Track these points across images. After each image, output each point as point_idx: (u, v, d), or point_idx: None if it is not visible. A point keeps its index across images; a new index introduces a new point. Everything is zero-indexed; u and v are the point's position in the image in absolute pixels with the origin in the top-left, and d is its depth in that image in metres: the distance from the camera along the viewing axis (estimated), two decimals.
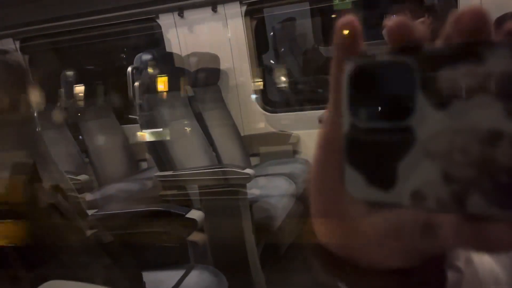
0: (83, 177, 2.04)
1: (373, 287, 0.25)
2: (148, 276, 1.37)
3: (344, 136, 0.20)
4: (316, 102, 2.92)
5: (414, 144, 0.19)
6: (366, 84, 0.20)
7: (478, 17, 0.18)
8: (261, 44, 3.02)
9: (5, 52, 1.74)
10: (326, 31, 3.61)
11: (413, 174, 0.19)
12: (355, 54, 0.21)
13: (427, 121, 0.18)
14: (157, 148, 2.10)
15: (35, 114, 1.74)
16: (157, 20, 2.81)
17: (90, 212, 1.72)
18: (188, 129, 2.39)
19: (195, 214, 1.50)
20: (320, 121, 0.24)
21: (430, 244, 0.21)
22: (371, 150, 0.20)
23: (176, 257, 1.53)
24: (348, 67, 0.20)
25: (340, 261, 0.25)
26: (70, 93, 2.60)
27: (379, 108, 0.20)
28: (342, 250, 0.25)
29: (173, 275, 1.43)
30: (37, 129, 1.76)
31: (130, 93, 2.19)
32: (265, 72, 3.11)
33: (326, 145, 0.24)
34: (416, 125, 0.19)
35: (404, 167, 0.19)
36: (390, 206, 0.20)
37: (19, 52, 2.89)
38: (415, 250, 0.22)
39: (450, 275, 0.25)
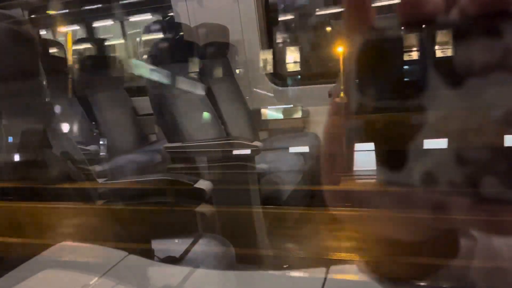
0: (92, 148, 2.06)
1: (388, 257, 0.25)
2: (157, 244, 1.39)
3: (354, 111, 0.19)
4: (326, 76, 2.89)
5: (426, 123, 0.17)
6: (376, 58, 0.19)
7: None
8: (271, 17, 2.97)
9: (14, 21, 1.73)
10: (338, 4, 3.53)
11: (424, 155, 0.18)
12: (365, 27, 0.19)
13: (440, 99, 0.17)
14: (166, 120, 2.10)
15: (44, 83, 1.74)
16: None
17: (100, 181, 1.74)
18: (197, 101, 2.38)
19: (203, 184, 1.51)
20: (330, 94, 0.23)
21: (442, 225, 0.20)
22: (380, 128, 0.19)
23: (185, 226, 1.55)
24: (358, 41, 0.19)
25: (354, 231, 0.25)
26: (79, 64, 2.59)
27: (389, 84, 0.18)
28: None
29: (181, 244, 1.45)
30: (46, 99, 1.77)
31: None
32: (275, 46, 3.07)
33: (335, 118, 0.23)
34: (428, 103, 0.17)
35: (415, 147, 0.18)
36: (402, 185, 0.19)
37: (28, 22, 2.87)
38: (427, 227, 0.21)
39: (463, 242, 0.25)
